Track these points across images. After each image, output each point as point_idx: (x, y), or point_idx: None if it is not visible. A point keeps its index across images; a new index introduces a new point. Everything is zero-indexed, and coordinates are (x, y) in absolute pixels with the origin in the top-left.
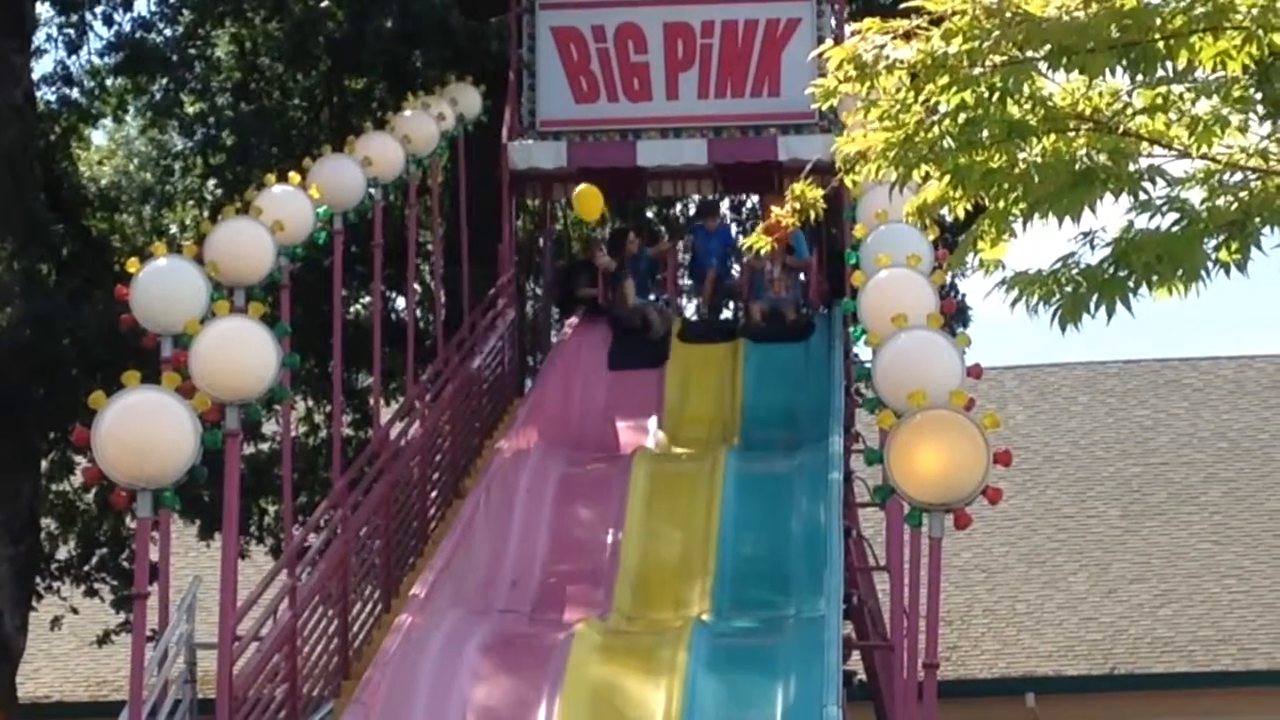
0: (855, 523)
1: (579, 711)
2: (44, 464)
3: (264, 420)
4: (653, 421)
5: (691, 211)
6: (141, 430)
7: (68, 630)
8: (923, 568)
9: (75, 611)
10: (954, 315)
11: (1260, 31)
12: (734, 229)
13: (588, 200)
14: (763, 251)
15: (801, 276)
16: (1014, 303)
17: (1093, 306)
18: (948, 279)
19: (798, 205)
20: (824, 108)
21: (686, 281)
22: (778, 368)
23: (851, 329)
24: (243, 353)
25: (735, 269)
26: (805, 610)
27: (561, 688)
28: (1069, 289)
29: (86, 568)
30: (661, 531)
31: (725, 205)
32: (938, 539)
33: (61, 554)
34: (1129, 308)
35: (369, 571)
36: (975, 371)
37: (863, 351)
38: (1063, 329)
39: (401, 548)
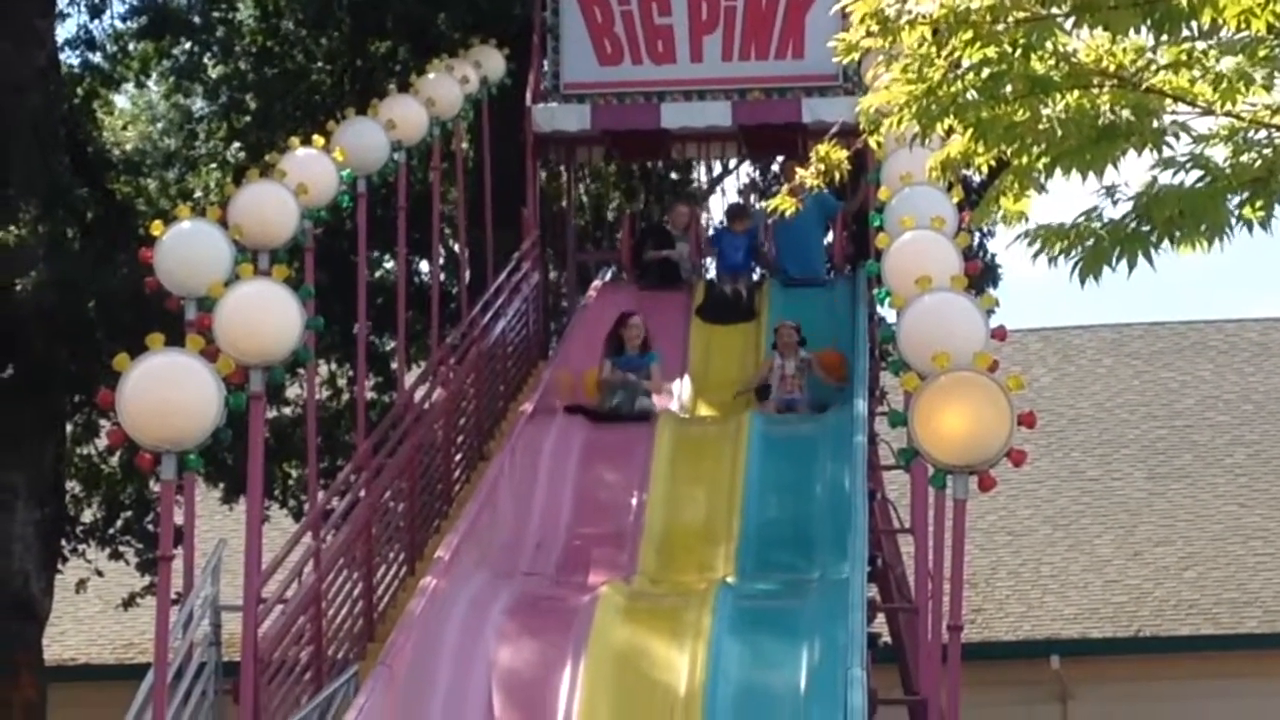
0: (880, 485)
1: (603, 674)
2: (69, 427)
3: (287, 383)
4: (677, 384)
5: (716, 171)
6: (165, 393)
7: (93, 593)
8: (947, 530)
9: (100, 574)
10: (982, 276)
11: None
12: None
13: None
14: (775, 352)
15: (821, 369)
16: (1035, 255)
17: (1113, 260)
18: (975, 239)
19: (822, 166)
20: (846, 63)
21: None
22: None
23: (876, 291)
24: (266, 315)
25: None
26: (830, 573)
27: (586, 650)
28: (1090, 242)
29: (111, 531)
30: (686, 494)
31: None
32: (962, 501)
33: (86, 517)
34: (1150, 262)
35: (393, 534)
36: (999, 334)
37: (887, 314)
38: (1082, 281)
39: (426, 510)
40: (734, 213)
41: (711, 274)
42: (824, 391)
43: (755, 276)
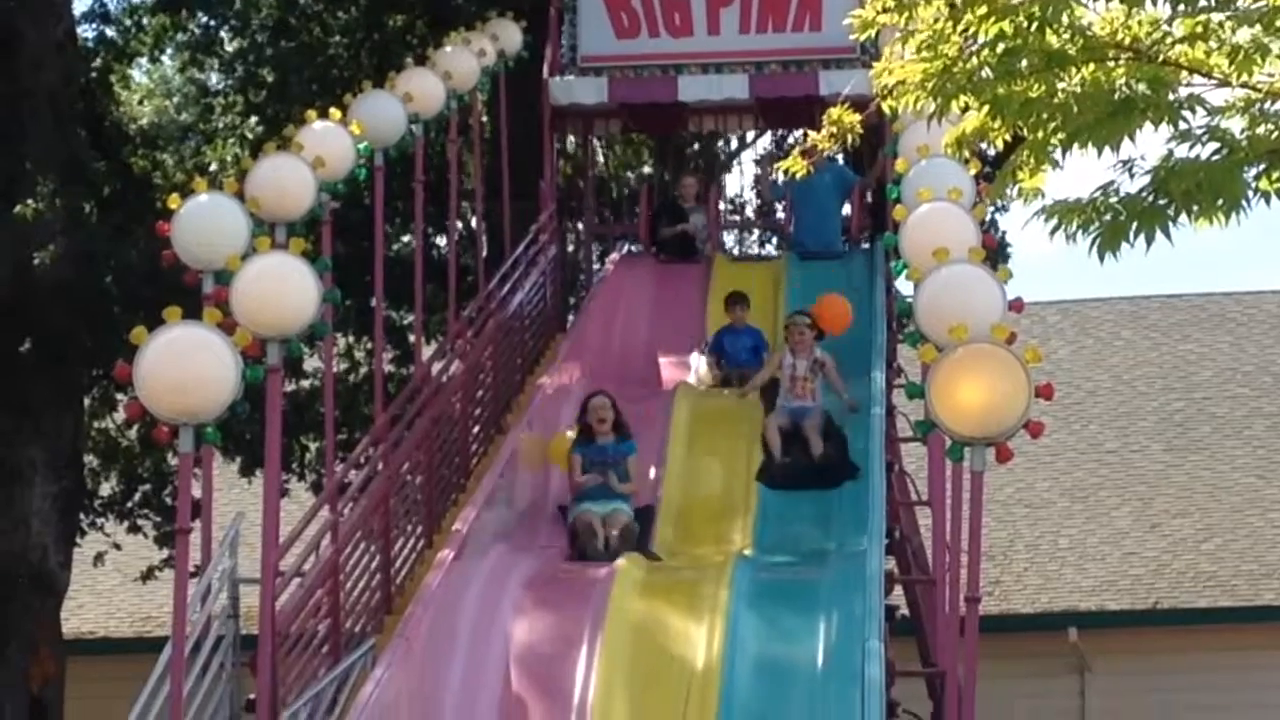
0: (897, 457)
1: (621, 647)
2: (86, 401)
3: (305, 356)
4: (694, 356)
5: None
6: (183, 366)
7: (111, 566)
8: (964, 502)
9: (118, 548)
10: (994, 253)
11: None
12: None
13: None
14: (782, 342)
15: (836, 376)
16: (1053, 231)
17: (1131, 235)
18: (988, 214)
19: (834, 130)
20: (862, 39)
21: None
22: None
23: (893, 264)
24: (284, 288)
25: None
26: (847, 545)
27: (603, 623)
28: (1108, 217)
29: (129, 504)
30: (703, 467)
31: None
32: (979, 473)
33: (104, 490)
34: (1168, 236)
35: (411, 507)
36: (1017, 305)
37: (904, 286)
38: (1101, 257)
39: (443, 483)
40: (732, 302)
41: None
42: (836, 404)
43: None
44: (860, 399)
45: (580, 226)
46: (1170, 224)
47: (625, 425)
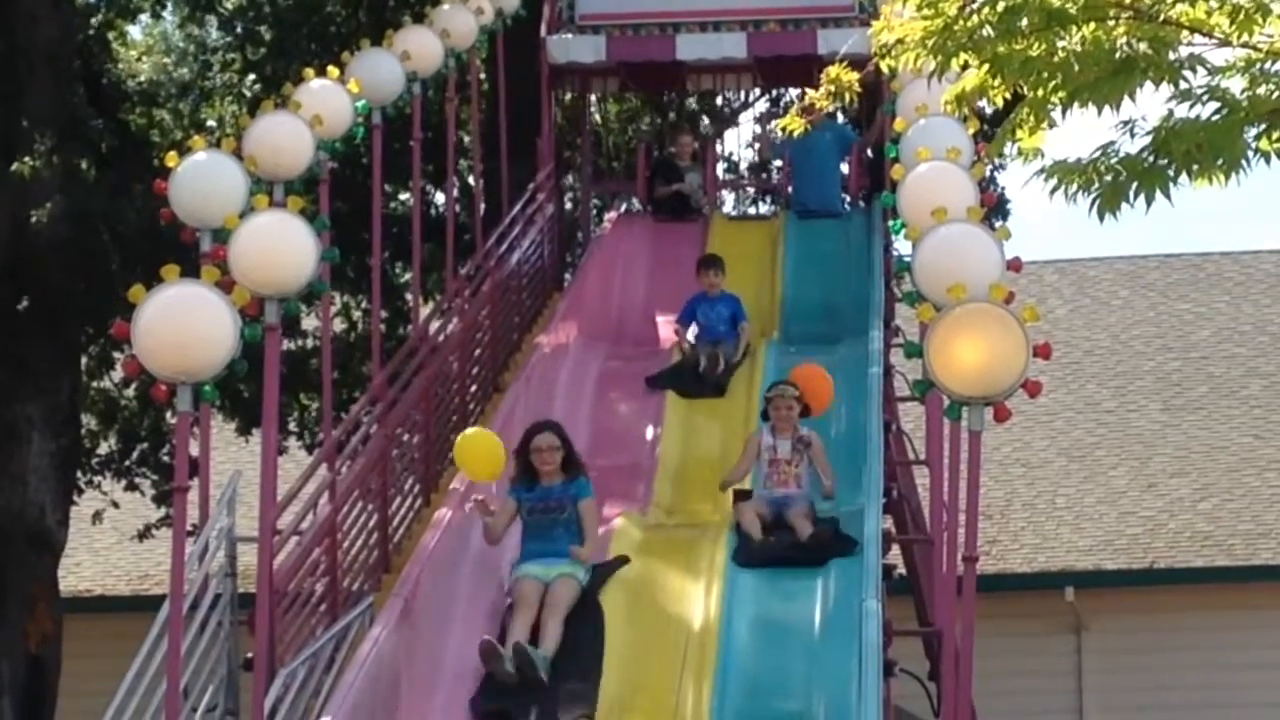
0: (895, 417)
1: (617, 606)
2: (84, 359)
3: (303, 315)
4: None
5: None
6: (181, 324)
7: (109, 525)
8: (962, 461)
9: (116, 506)
10: (993, 209)
11: None
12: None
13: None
14: (765, 425)
15: (824, 459)
16: (1053, 191)
17: (1132, 195)
18: (987, 172)
19: (833, 89)
20: None
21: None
22: (817, 261)
23: (891, 223)
24: (282, 247)
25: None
26: (845, 504)
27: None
28: (1108, 178)
29: (127, 463)
30: (701, 426)
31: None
32: (977, 432)
33: (102, 449)
34: (1168, 197)
35: (408, 466)
36: (1015, 265)
37: (902, 245)
38: (1101, 218)
39: (441, 442)
40: (705, 265)
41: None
42: (819, 488)
43: (740, 351)
44: (858, 355)
45: (578, 185)
46: (1170, 184)
47: (578, 462)
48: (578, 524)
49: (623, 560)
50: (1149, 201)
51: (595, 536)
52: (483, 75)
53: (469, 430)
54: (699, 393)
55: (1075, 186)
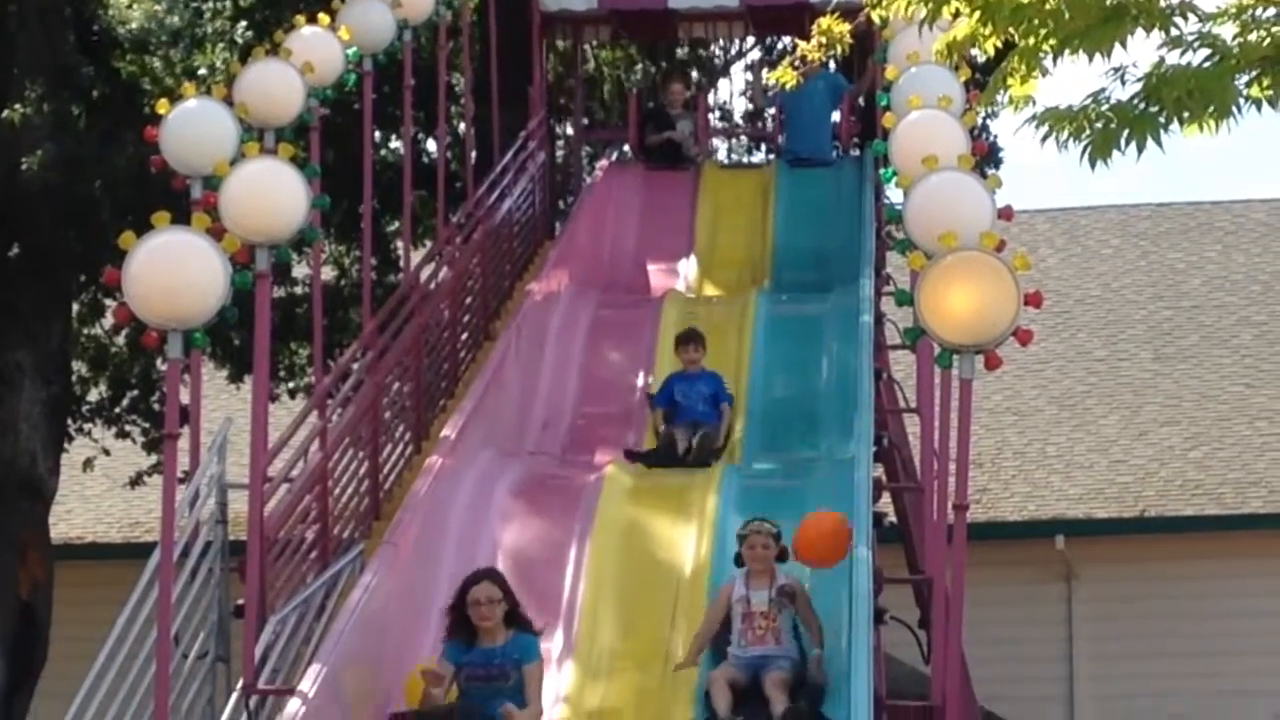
0: (886, 365)
1: (609, 552)
2: (75, 307)
3: (294, 263)
4: (683, 264)
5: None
6: (171, 271)
7: (100, 472)
8: (953, 410)
9: (107, 453)
10: (985, 157)
11: None
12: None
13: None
14: (739, 573)
15: (810, 611)
16: (1044, 138)
17: (1123, 142)
18: (979, 120)
19: (824, 40)
20: None
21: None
22: (809, 209)
23: (882, 171)
24: (272, 194)
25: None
26: (835, 452)
27: (592, 529)
28: (1099, 125)
29: (118, 410)
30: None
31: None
32: (968, 381)
33: (93, 396)
34: (1159, 144)
35: (399, 414)
36: (1006, 213)
37: (893, 193)
38: (1092, 165)
39: (432, 390)
40: (684, 341)
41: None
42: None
43: (722, 436)
44: (849, 303)
45: (570, 133)
46: (1161, 131)
47: (523, 616)
48: (520, 689)
49: None
50: (1140, 149)
51: (538, 704)
52: (474, 22)
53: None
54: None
55: (1066, 133)
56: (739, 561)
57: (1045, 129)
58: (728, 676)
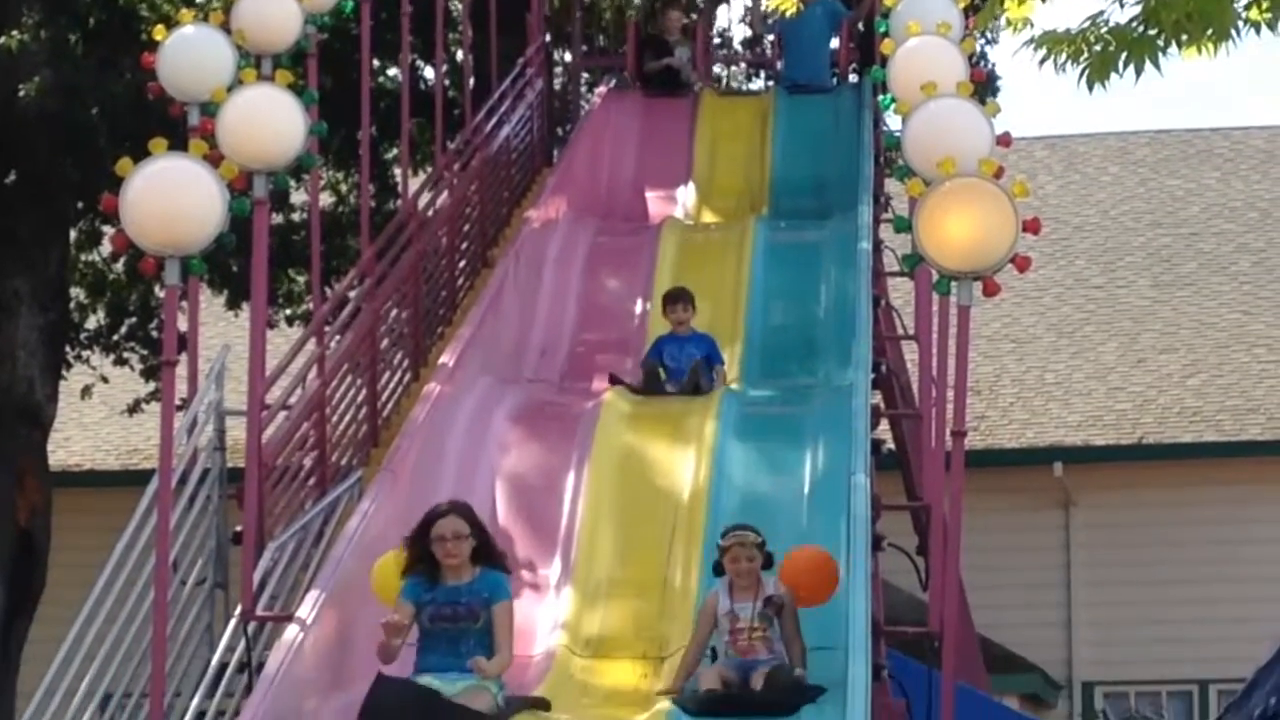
0: (884, 292)
1: (607, 479)
2: (72, 234)
3: (292, 190)
4: (681, 191)
5: None
6: (169, 197)
7: (98, 399)
8: (951, 337)
9: (105, 380)
10: (983, 85)
11: None
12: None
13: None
14: (720, 583)
15: (795, 625)
16: (1042, 61)
17: (1121, 66)
18: (977, 47)
19: None
20: None
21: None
22: (807, 137)
23: (880, 98)
24: (269, 120)
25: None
26: (834, 379)
27: (590, 456)
28: (1097, 48)
29: (116, 337)
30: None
31: None
32: (966, 307)
33: (91, 324)
34: (1157, 67)
35: (397, 341)
36: (1005, 140)
37: (892, 120)
38: (1090, 88)
39: (430, 317)
40: (672, 300)
41: None
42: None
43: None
44: (847, 230)
45: (568, 59)
46: (1159, 54)
47: (494, 550)
48: (487, 632)
49: (542, 702)
50: (1138, 72)
51: (509, 649)
52: None
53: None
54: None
55: (1064, 56)
56: (719, 571)
57: (1043, 52)
58: (719, 670)
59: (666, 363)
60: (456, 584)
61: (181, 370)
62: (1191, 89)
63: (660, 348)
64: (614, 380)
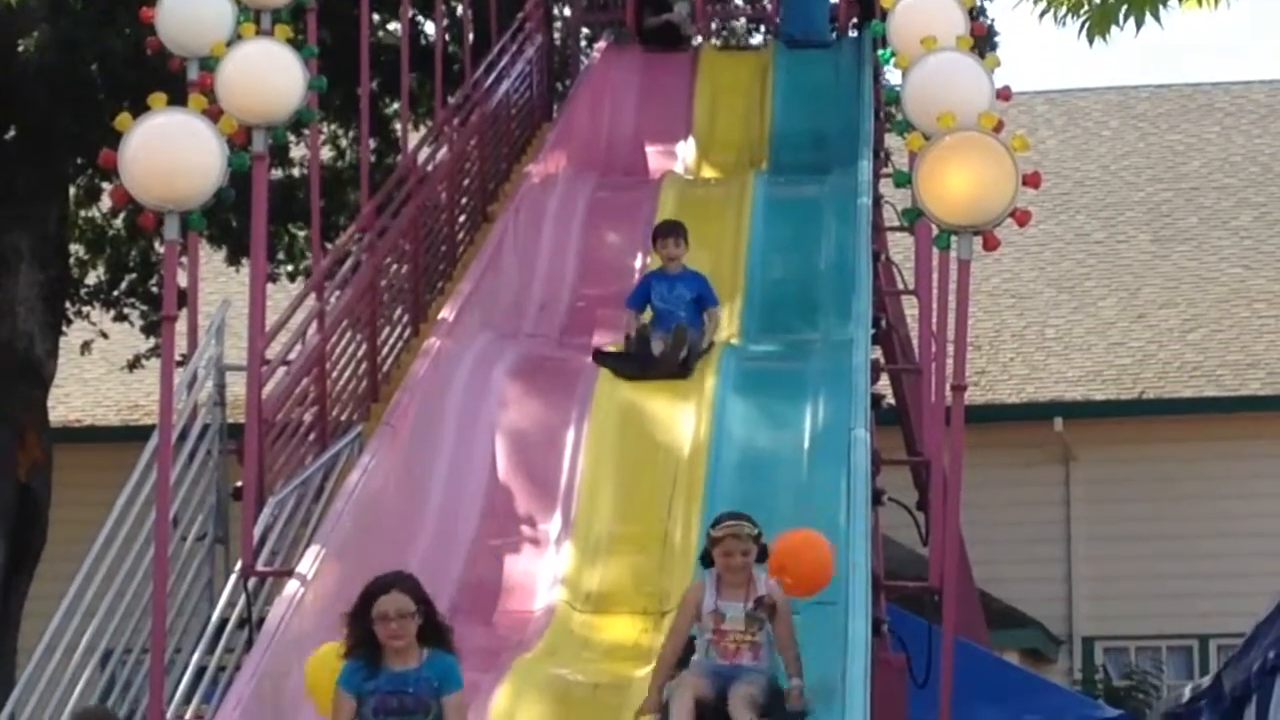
0: (884, 247)
1: (607, 434)
2: (72, 190)
3: (291, 145)
4: (681, 146)
5: None
6: (168, 152)
7: (98, 355)
8: (951, 291)
9: (105, 336)
10: (983, 38)
11: None
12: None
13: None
14: (707, 574)
15: (790, 630)
16: (1042, 14)
17: (1121, 18)
18: (977, 2)
19: None
20: None
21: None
22: (807, 91)
23: (880, 52)
24: (269, 75)
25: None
26: (834, 334)
27: (589, 411)
28: (1098, 1)
29: (116, 293)
30: (690, 256)
31: None
32: (966, 261)
33: (91, 279)
34: (1158, 20)
35: (397, 296)
36: (1004, 94)
37: (892, 74)
38: (1090, 41)
39: (430, 272)
40: (663, 234)
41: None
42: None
43: (707, 340)
44: (847, 185)
45: (567, 14)
46: (1160, 7)
47: (442, 628)
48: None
49: None
50: (1139, 24)
51: None
52: None
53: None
54: (653, 374)
55: (1064, 10)
56: (707, 561)
57: (1044, 5)
58: (694, 688)
59: (655, 303)
60: (403, 669)
61: (181, 326)
62: (1192, 44)
63: (648, 286)
64: (598, 357)
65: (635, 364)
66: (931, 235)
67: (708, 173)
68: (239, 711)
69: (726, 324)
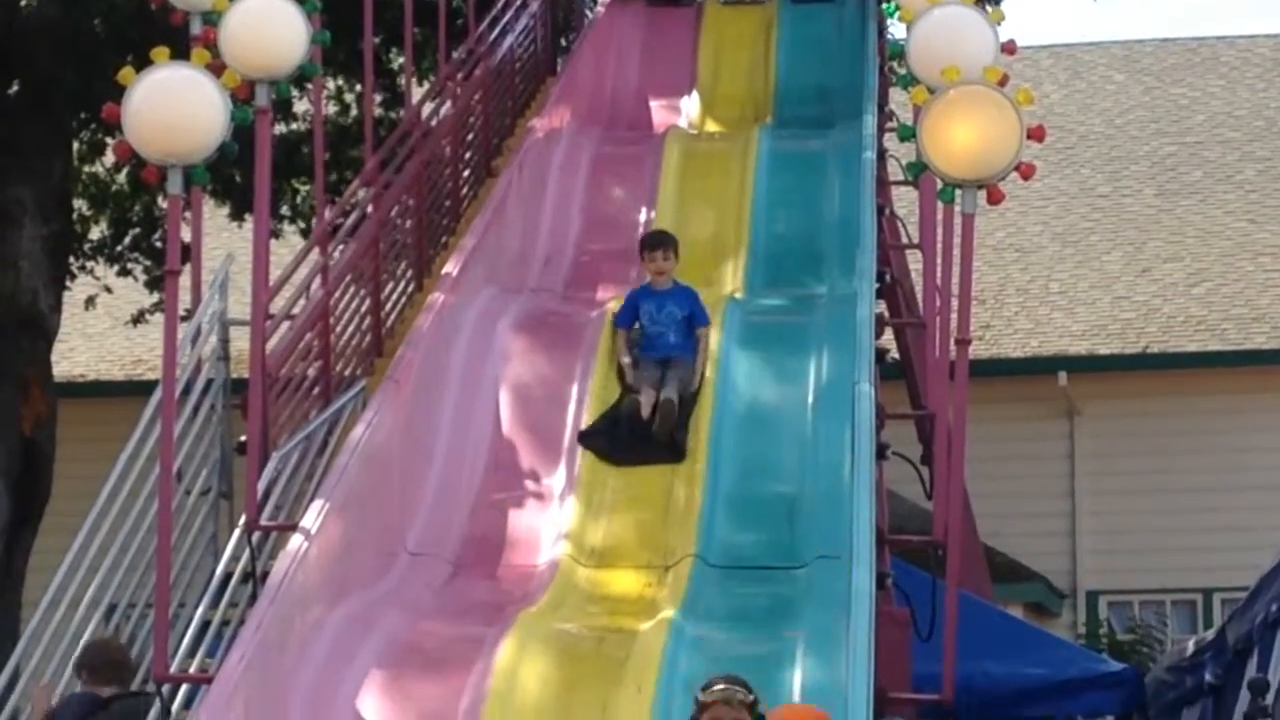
0: (888, 201)
1: (611, 389)
2: (75, 144)
3: (295, 99)
4: (685, 100)
5: None
6: (171, 106)
7: (102, 310)
8: (955, 245)
9: (109, 291)
10: None
11: None
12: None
13: None
14: None
15: None
16: None
17: None
18: None
19: None
20: None
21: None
22: (811, 45)
23: (885, 5)
24: (272, 29)
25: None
26: (838, 288)
27: (594, 365)
28: None
29: (120, 248)
30: (694, 210)
31: None
32: (970, 215)
33: (94, 235)
34: None
35: (401, 250)
36: (1009, 48)
37: (896, 28)
38: None
39: (434, 227)
40: (650, 246)
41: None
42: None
43: (698, 375)
44: (852, 139)
45: None
46: None
47: None
48: None
49: None
50: None
51: None
52: None
53: None
54: (645, 457)
55: None
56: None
57: None
58: None
59: (645, 324)
60: None
61: (185, 280)
62: None
63: (635, 305)
64: (584, 439)
65: (624, 449)
66: (936, 189)
67: (712, 127)
68: (243, 666)
69: (730, 281)
